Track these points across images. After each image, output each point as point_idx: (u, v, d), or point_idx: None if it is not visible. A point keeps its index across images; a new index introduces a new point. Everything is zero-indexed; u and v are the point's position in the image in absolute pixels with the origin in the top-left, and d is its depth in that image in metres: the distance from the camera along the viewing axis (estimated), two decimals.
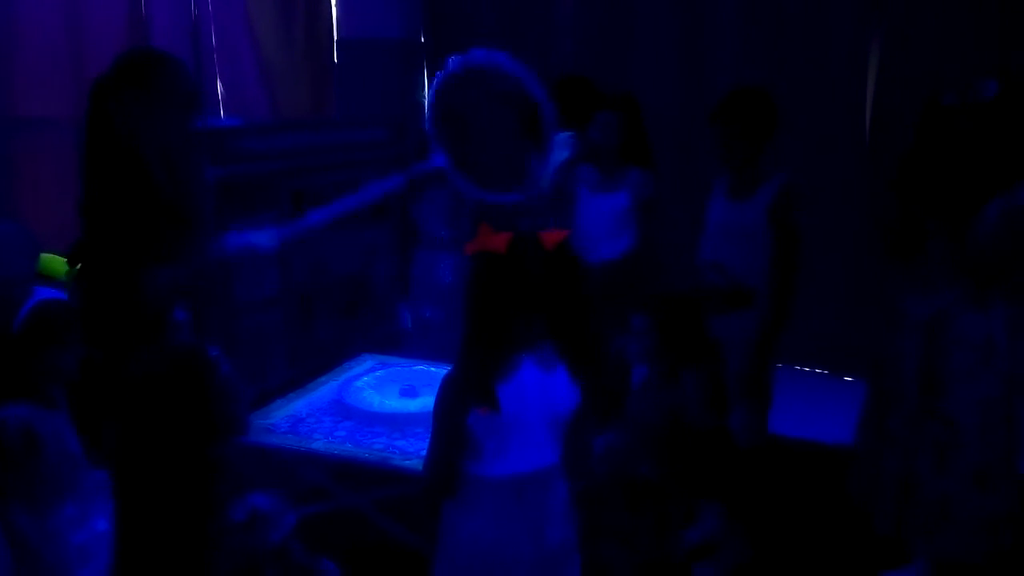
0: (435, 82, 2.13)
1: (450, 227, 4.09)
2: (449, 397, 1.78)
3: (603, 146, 3.31)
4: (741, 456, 2.81)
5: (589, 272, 3.24)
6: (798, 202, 2.69)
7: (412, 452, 2.34)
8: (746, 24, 4.62)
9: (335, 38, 5.26)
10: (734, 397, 2.84)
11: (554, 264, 1.74)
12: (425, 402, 2.56)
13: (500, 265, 1.73)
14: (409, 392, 2.67)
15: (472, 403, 1.74)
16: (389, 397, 2.66)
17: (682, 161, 4.51)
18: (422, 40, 5.32)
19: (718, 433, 2.94)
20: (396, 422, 2.49)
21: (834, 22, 4.45)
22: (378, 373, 2.87)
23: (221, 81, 5.69)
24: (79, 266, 2.14)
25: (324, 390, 2.78)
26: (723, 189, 2.85)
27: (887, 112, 4.42)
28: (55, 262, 3.93)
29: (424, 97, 5.42)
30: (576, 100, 3.94)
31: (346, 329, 4.89)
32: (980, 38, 4.11)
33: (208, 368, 2.04)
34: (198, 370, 2.01)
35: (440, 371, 2.94)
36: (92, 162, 2.14)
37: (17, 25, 4.66)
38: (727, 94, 2.80)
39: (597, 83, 4.02)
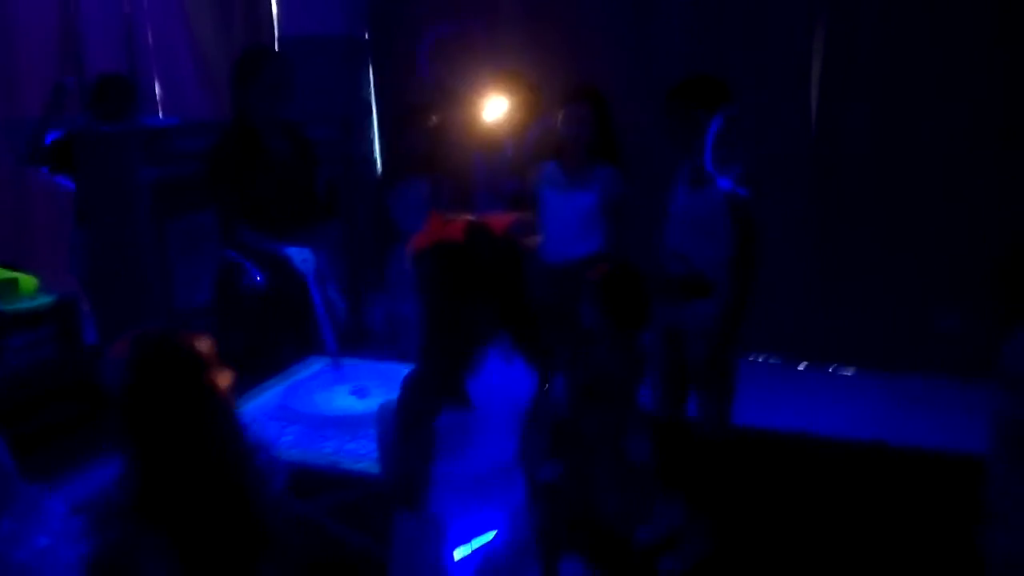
0: None
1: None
2: (416, 397, 1.70)
3: (570, 142, 3.20)
4: (702, 447, 2.78)
5: (556, 273, 3.19)
6: (755, 191, 2.64)
7: (363, 455, 2.24)
8: (692, 11, 4.62)
9: (276, 35, 5.12)
10: (695, 387, 2.82)
11: (505, 250, 1.69)
12: (377, 401, 2.48)
13: (459, 255, 1.66)
14: (360, 392, 2.57)
15: (442, 402, 1.67)
16: (339, 398, 2.57)
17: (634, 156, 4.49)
18: (367, 36, 5.20)
19: (676, 423, 2.92)
20: (347, 424, 2.40)
21: (779, 8, 4.47)
22: (328, 375, 2.77)
23: (158, 81, 5.52)
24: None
25: (269, 395, 2.67)
26: (684, 178, 2.79)
27: (833, 100, 4.46)
28: None
29: (370, 94, 5.32)
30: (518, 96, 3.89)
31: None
32: (926, 21, 4.16)
33: None
34: None
35: (392, 366, 2.88)
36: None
37: None
38: (683, 79, 2.75)
39: (544, 77, 3.97)
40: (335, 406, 2.51)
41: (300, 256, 2.99)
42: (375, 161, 5.32)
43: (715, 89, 2.71)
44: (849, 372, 4.51)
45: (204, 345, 1.63)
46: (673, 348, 2.83)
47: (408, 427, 1.71)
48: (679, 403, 2.92)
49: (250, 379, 2.94)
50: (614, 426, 2.40)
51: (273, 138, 3.09)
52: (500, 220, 1.71)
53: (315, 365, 2.95)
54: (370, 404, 2.48)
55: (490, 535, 1.74)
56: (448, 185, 4.06)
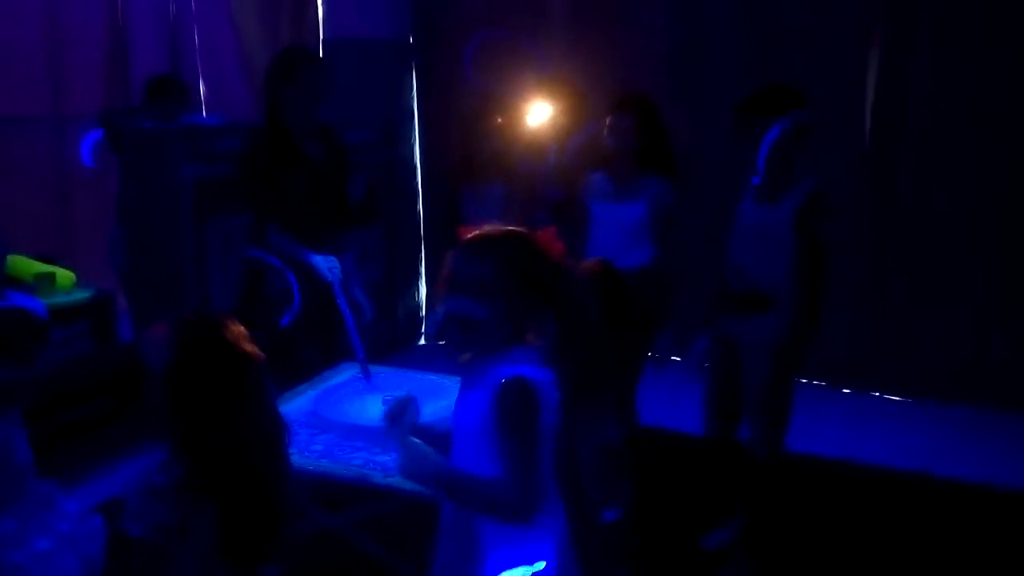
0: None
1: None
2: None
3: (616, 152, 3.12)
4: (752, 470, 2.68)
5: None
6: (826, 210, 2.55)
7: (394, 469, 2.17)
8: (744, 26, 4.51)
9: (321, 37, 5.11)
10: (749, 407, 2.72)
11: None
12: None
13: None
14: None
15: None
16: (370, 408, 2.50)
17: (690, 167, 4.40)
18: (411, 41, 5.17)
19: (726, 442, 2.83)
20: (377, 435, 2.33)
21: (834, 25, 4.35)
22: (360, 384, 2.71)
23: (204, 80, 5.54)
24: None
25: (300, 400, 2.62)
26: (752, 191, 2.70)
27: (887, 118, 4.32)
28: (23, 263, 3.77)
29: (413, 99, 5.28)
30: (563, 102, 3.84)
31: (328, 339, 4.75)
32: (980, 41, 4.02)
33: None
34: None
35: (423, 377, 2.82)
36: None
37: None
38: (753, 91, 2.66)
39: (590, 84, 3.92)
40: (366, 416, 2.44)
41: (327, 264, 2.94)
42: (416, 166, 5.28)
43: (783, 98, 2.61)
44: (896, 399, 4.36)
45: (238, 326, 1.64)
46: (729, 364, 2.75)
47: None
48: (730, 421, 2.83)
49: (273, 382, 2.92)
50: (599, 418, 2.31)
51: (307, 141, 3.04)
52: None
53: (346, 372, 2.89)
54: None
55: (539, 566, 1.64)
56: (521, 189, 4.03)
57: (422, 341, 5.37)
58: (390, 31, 5.08)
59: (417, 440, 1.61)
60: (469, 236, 1.61)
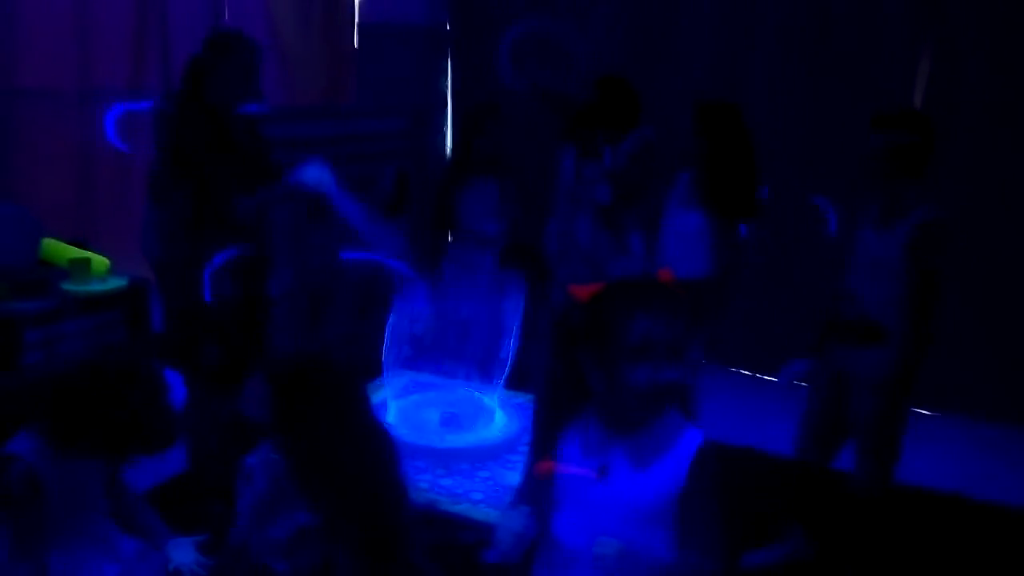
0: None
1: (497, 223, 3.87)
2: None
3: (687, 157, 3.07)
4: (856, 503, 2.63)
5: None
6: (943, 240, 2.47)
7: (461, 495, 2.13)
8: (791, 27, 4.43)
9: (356, 22, 5.00)
10: (857, 438, 2.66)
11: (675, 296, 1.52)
12: (469, 433, 2.37)
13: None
14: (451, 421, 2.46)
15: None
16: (429, 425, 2.46)
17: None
18: (447, 28, 5.06)
19: (822, 471, 2.78)
20: (439, 457, 2.29)
21: (882, 32, 4.27)
22: (413, 397, 2.66)
23: None
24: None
25: None
26: (871, 215, 2.61)
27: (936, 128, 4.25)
28: (58, 248, 3.69)
29: (447, 87, 5.18)
30: (615, 102, 3.75)
31: (356, 329, 4.69)
32: None
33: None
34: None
35: (475, 394, 2.78)
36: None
37: None
38: (879, 112, 2.57)
39: (634, 81, 3.81)
40: (426, 434, 2.40)
41: (317, 171, 2.89)
42: (446, 156, 5.20)
43: (919, 128, 2.53)
44: (929, 414, 4.31)
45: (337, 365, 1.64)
46: (837, 393, 2.68)
47: None
48: (829, 451, 2.79)
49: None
50: None
51: (236, 128, 2.95)
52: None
53: (398, 379, 2.84)
54: (462, 435, 2.38)
55: None
56: (515, 188, 3.93)
57: None
58: (426, 17, 4.98)
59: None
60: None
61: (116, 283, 3.61)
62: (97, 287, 3.54)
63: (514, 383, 2.57)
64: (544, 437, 1.55)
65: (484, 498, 2.18)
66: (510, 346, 2.93)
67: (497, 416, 2.43)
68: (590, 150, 3.84)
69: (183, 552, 2.05)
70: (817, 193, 4.06)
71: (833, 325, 2.64)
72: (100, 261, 3.66)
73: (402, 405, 2.54)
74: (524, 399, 2.65)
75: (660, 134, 4.09)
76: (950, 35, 4.13)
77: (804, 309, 4.14)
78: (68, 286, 3.45)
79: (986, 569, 3.05)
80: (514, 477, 1.81)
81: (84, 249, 3.73)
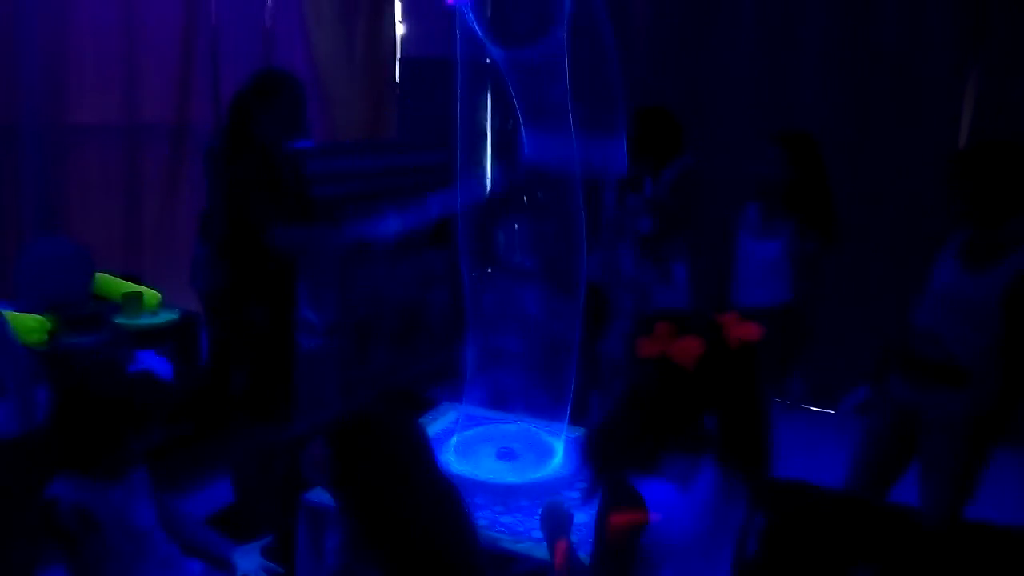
0: None
1: (531, 255, 3.90)
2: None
3: (763, 186, 3.11)
4: (923, 538, 2.59)
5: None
6: None
7: (522, 532, 2.11)
8: (835, 51, 4.42)
9: (398, 56, 5.07)
10: (927, 472, 2.61)
11: (740, 366, 1.51)
12: (527, 469, 2.35)
13: (688, 381, 1.48)
14: (508, 455, 2.44)
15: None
16: (485, 460, 2.44)
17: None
18: (487, 61, 5.11)
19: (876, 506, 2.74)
20: (498, 492, 2.27)
21: (929, 51, 4.24)
22: (467, 433, 2.64)
23: None
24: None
25: None
26: (955, 251, 2.51)
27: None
28: (110, 283, 3.75)
29: (487, 120, 5.22)
30: (656, 133, 3.76)
31: (400, 359, 4.69)
32: None
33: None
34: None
35: (529, 429, 2.75)
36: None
37: (70, 29, 4.50)
38: (977, 143, 2.53)
39: (672, 110, 3.82)
40: (483, 470, 2.38)
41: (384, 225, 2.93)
42: (486, 188, 5.23)
43: (1018, 161, 2.40)
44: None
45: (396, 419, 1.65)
46: (901, 429, 2.64)
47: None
48: (882, 484, 2.75)
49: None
50: None
51: (283, 166, 2.96)
52: (737, 328, 1.53)
53: (449, 413, 2.84)
54: (520, 470, 2.36)
55: None
56: (546, 223, 3.94)
57: None
58: (467, 51, 5.04)
59: None
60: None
61: (167, 316, 3.66)
62: (149, 320, 3.59)
63: (574, 418, 2.56)
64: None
65: None
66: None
67: (557, 451, 2.41)
68: (632, 182, 3.85)
69: (249, 559, 2.06)
70: (867, 224, 4.04)
71: (906, 362, 2.58)
72: (152, 295, 3.72)
73: (458, 440, 2.52)
74: (581, 433, 2.63)
75: (706, 163, 4.10)
76: (996, 60, 4.10)
77: (853, 339, 4.10)
78: (121, 320, 3.51)
79: None
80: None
81: (136, 283, 3.80)
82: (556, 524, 1.68)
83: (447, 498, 1.59)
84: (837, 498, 2.93)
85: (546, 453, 2.44)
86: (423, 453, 1.62)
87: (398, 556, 1.48)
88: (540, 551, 1.98)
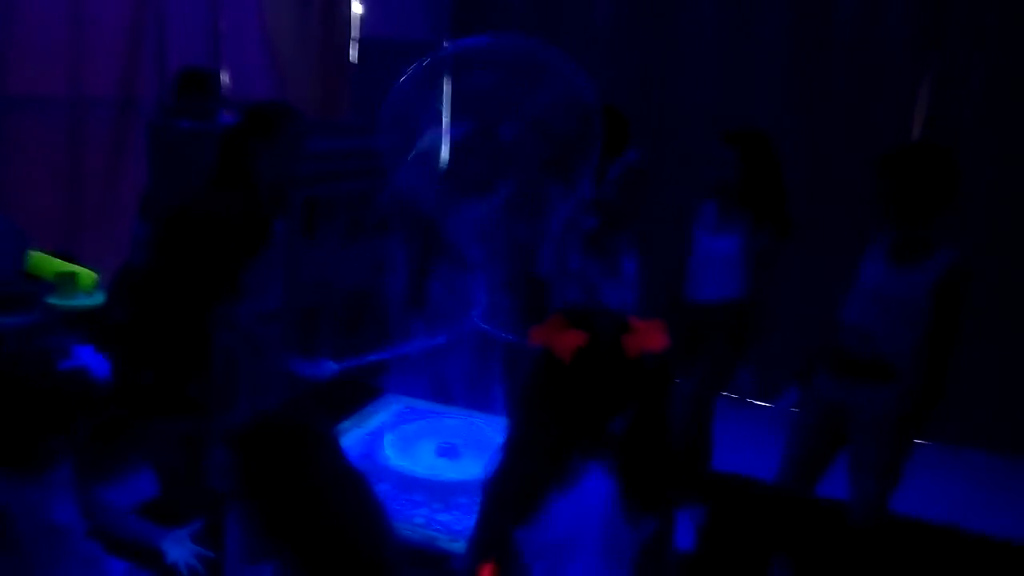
0: None
1: (483, 246, 3.84)
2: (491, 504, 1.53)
3: (718, 184, 3.14)
4: (850, 533, 2.62)
5: (690, 309, 3.21)
6: (968, 282, 2.42)
7: (459, 531, 2.06)
8: (792, 49, 4.42)
9: (355, 36, 4.95)
10: (855, 469, 2.65)
11: (633, 374, 1.45)
12: (468, 466, 2.30)
13: (565, 374, 1.43)
14: (449, 452, 2.39)
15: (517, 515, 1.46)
16: (426, 456, 2.38)
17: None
18: (444, 44, 5.02)
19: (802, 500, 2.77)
20: (437, 490, 2.22)
21: (885, 52, 4.26)
22: (409, 426, 2.58)
23: (228, 73, 5.35)
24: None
25: (350, 440, 2.48)
26: (883, 249, 2.56)
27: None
28: (44, 261, 3.60)
29: (444, 104, 5.12)
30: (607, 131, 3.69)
31: (349, 348, 4.61)
32: None
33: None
34: None
35: (475, 423, 2.70)
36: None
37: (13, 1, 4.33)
38: (902, 146, 2.57)
39: (625, 109, 3.76)
40: (423, 466, 2.32)
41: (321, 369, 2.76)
42: (441, 174, 5.15)
43: (945, 164, 2.47)
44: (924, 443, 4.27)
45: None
46: (829, 425, 2.68)
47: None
48: (809, 480, 2.79)
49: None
50: None
51: (272, 210, 2.71)
52: (639, 337, 1.47)
53: (393, 405, 2.77)
54: (461, 467, 2.31)
55: None
56: (504, 214, 3.88)
57: None
58: (427, 32, 4.94)
59: None
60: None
61: (103, 298, 3.53)
62: (84, 302, 3.46)
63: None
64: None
65: None
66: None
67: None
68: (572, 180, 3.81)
69: (179, 545, 2.01)
70: (817, 222, 4.05)
71: (834, 359, 2.61)
72: (87, 275, 3.58)
73: (398, 434, 2.46)
74: None
75: (662, 159, 4.07)
76: (950, 64, 4.13)
77: (803, 334, 4.12)
78: (54, 300, 3.37)
79: None
80: None
81: (72, 262, 3.65)
82: None
83: (355, 495, 1.54)
84: (767, 492, 2.96)
85: (487, 448, 2.39)
86: (328, 453, 1.57)
87: (304, 547, 1.44)
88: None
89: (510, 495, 1.50)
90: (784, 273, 3.29)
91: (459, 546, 2.00)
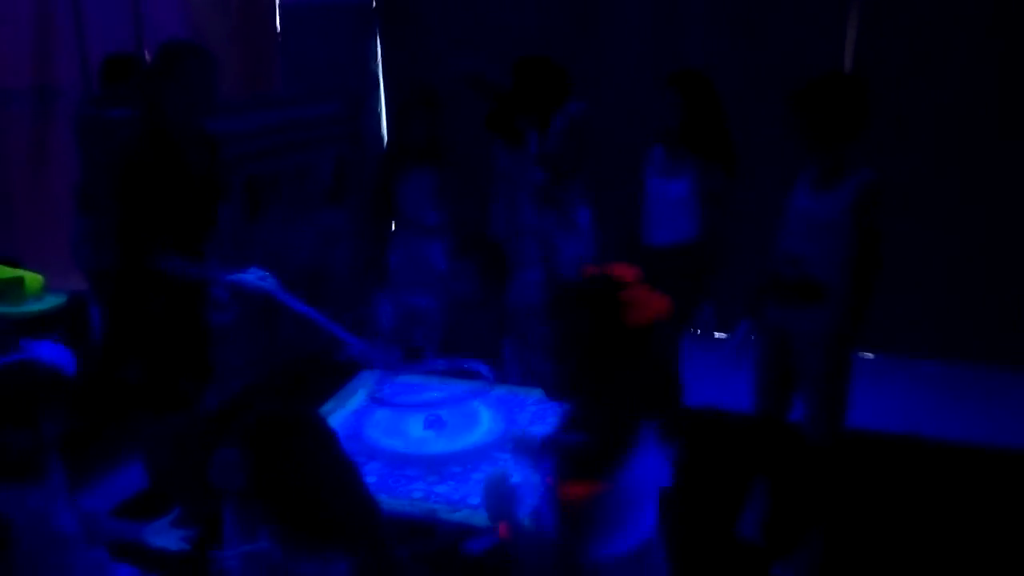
0: None
1: (437, 211, 3.82)
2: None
3: (663, 128, 3.19)
4: (809, 452, 2.76)
5: (648, 254, 3.24)
6: (882, 200, 2.57)
7: (457, 501, 2.10)
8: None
9: (277, 4, 4.79)
10: (804, 392, 2.79)
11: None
12: (456, 435, 2.33)
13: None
14: (435, 423, 2.41)
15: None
16: (414, 430, 2.40)
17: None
18: (374, 5, 4.91)
19: (777, 424, 2.92)
20: (430, 463, 2.25)
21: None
22: (392, 401, 2.59)
23: (146, 49, 5.15)
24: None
25: (335, 421, 2.48)
26: (808, 178, 2.70)
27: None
28: None
29: (378, 66, 5.03)
30: (538, 83, 3.67)
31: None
32: (962, 13, 4.07)
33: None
34: None
35: (448, 385, 2.72)
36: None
37: None
38: (814, 78, 2.63)
39: (563, 60, 3.74)
40: (412, 440, 2.35)
41: (256, 276, 2.71)
42: (383, 138, 5.08)
43: (854, 93, 2.60)
44: (870, 356, 4.46)
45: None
46: (780, 351, 2.81)
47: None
48: (781, 403, 2.91)
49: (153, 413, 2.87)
50: None
51: (188, 147, 2.72)
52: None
53: (368, 382, 2.77)
54: (449, 437, 2.34)
55: None
56: (455, 176, 3.87)
57: None
58: None
59: None
60: None
61: (54, 301, 3.40)
62: (34, 307, 3.33)
63: (489, 364, 2.58)
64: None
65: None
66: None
67: (482, 413, 2.41)
68: (513, 137, 3.81)
69: (162, 534, 2.03)
70: (752, 160, 4.13)
71: (773, 286, 2.73)
72: (33, 278, 3.42)
73: (382, 412, 2.47)
74: (504, 391, 2.63)
75: (604, 107, 4.07)
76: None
77: (753, 267, 4.23)
78: (2, 309, 3.25)
79: (943, 506, 3.23)
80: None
81: (15, 267, 3.51)
82: (499, 499, 1.67)
83: (350, 477, 1.62)
84: (741, 421, 3.11)
85: (473, 417, 2.43)
86: (328, 440, 1.62)
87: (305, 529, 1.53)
88: (478, 518, 1.98)
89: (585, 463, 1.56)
90: (737, 209, 3.36)
91: (460, 515, 2.05)
